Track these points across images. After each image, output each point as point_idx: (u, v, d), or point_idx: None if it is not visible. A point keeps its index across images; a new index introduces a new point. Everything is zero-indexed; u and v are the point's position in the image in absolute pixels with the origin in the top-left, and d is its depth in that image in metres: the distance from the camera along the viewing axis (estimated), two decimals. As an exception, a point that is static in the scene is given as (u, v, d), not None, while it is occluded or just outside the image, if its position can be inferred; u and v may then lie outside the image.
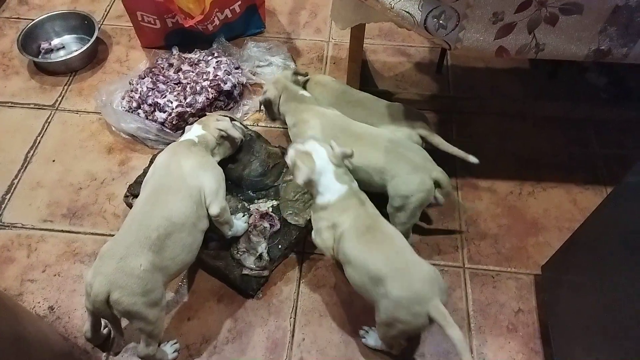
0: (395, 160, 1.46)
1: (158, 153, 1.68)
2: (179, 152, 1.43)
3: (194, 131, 1.54)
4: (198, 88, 1.90)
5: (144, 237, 1.24)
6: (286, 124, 1.69)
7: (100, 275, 1.20)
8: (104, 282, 1.19)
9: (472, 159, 1.58)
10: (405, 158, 1.46)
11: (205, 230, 1.41)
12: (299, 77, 1.77)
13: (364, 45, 1.85)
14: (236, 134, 1.56)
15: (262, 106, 1.76)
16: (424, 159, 1.48)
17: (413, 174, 1.44)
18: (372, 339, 1.43)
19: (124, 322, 1.36)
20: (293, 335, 1.48)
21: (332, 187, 1.34)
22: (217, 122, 1.56)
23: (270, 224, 1.54)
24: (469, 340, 1.47)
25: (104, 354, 1.44)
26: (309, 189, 1.39)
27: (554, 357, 1.36)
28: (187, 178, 1.36)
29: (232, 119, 1.64)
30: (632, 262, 1.07)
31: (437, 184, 1.47)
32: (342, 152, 1.37)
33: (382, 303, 1.24)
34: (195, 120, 1.78)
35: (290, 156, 1.38)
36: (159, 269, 1.26)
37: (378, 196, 1.47)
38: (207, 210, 1.38)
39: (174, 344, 1.43)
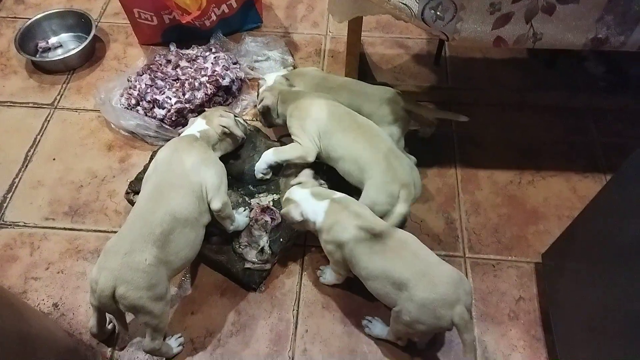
0: (379, 163, 1.44)
1: (158, 149, 1.69)
2: (180, 148, 1.43)
3: (197, 125, 1.53)
4: (196, 84, 1.90)
5: (148, 233, 1.25)
6: (286, 126, 1.66)
7: (106, 271, 1.21)
8: (109, 277, 1.21)
9: (463, 118, 1.65)
10: (390, 165, 1.43)
11: (207, 225, 1.42)
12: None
13: (362, 38, 1.85)
14: (239, 132, 1.57)
15: (260, 115, 1.75)
16: (409, 174, 1.45)
17: (389, 185, 1.42)
18: (377, 328, 1.43)
19: (129, 317, 1.37)
20: (296, 327, 1.49)
21: (317, 209, 1.36)
22: (221, 118, 1.55)
23: (271, 218, 1.55)
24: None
25: (109, 349, 1.45)
26: (306, 226, 1.40)
27: (555, 344, 1.37)
28: (189, 174, 1.37)
29: (236, 116, 1.64)
30: (631, 249, 1.08)
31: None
32: (311, 173, 1.50)
33: (406, 306, 1.23)
34: (195, 116, 1.79)
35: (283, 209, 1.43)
36: (163, 264, 1.27)
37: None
38: (209, 205, 1.39)
39: (179, 337, 1.45)
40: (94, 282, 1.23)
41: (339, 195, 1.39)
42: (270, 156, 1.59)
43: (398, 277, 1.23)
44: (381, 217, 1.38)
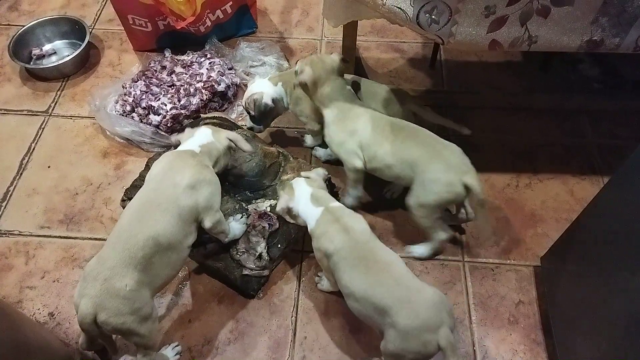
0: (429, 156, 1.42)
1: (154, 156, 1.68)
2: (175, 167, 1.33)
3: (200, 137, 1.43)
4: (192, 90, 1.89)
5: (129, 257, 1.20)
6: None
7: (85, 297, 1.17)
8: (89, 305, 1.16)
9: (466, 131, 1.65)
10: (440, 155, 1.42)
11: (203, 233, 1.39)
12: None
13: (357, 42, 1.85)
14: (247, 147, 1.47)
15: (252, 110, 1.69)
16: (460, 161, 1.42)
17: (443, 173, 1.40)
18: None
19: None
20: (295, 334, 1.48)
21: (310, 212, 1.35)
22: (228, 132, 1.49)
23: (269, 224, 1.54)
24: (470, 334, 1.47)
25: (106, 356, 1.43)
26: (295, 220, 1.40)
27: (556, 348, 1.37)
28: (180, 197, 1.29)
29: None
30: (630, 251, 1.08)
31: (468, 190, 1.41)
32: (323, 174, 1.46)
33: (389, 333, 1.20)
34: (190, 123, 1.78)
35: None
36: (145, 285, 1.22)
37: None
38: (201, 224, 1.34)
39: (176, 346, 1.43)
40: (76, 306, 1.19)
41: (335, 204, 1.37)
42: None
43: (379, 302, 1.20)
44: (446, 207, 1.44)
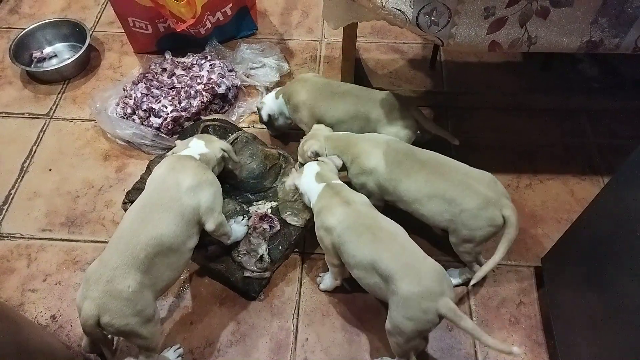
0: (465, 192, 1.36)
1: (155, 159, 1.68)
2: (177, 168, 1.35)
3: (196, 149, 1.44)
4: (192, 92, 1.90)
5: (132, 257, 1.20)
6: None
7: (88, 300, 1.17)
8: (92, 307, 1.16)
9: (455, 142, 1.64)
10: (477, 190, 1.35)
11: (204, 235, 1.40)
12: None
13: (357, 43, 1.85)
14: (236, 158, 1.54)
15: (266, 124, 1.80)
16: (497, 192, 1.37)
17: (484, 210, 1.34)
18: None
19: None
20: (296, 336, 1.48)
21: (312, 188, 1.40)
22: (221, 142, 1.51)
23: (270, 226, 1.54)
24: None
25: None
26: (303, 198, 1.44)
27: (557, 348, 1.37)
28: (183, 197, 1.30)
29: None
30: (631, 251, 1.08)
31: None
32: (338, 162, 1.49)
33: (392, 301, 1.23)
34: (191, 125, 1.79)
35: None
36: (147, 287, 1.22)
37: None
38: (204, 226, 1.35)
39: (178, 349, 1.43)
40: (78, 308, 1.19)
41: (337, 181, 1.41)
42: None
43: (385, 268, 1.23)
44: (486, 240, 1.38)
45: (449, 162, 1.44)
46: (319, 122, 1.68)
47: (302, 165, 1.54)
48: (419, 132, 1.77)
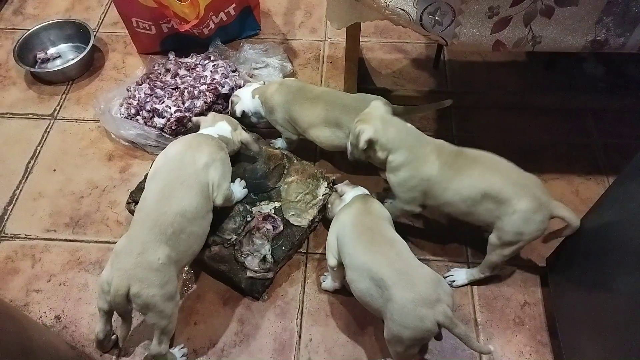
0: (520, 193, 1.31)
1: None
2: (194, 146, 1.43)
3: (220, 130, 1.55)
4: (196, 92, 1.90)
5: (160, 233, 1.27)
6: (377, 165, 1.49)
7: (120, 271, 1.23)
8: (124, 277, 1.22)
9: (447, 102, 1.63)
10: (531, 192, 1.31)
11: (208, 235, 1.43)
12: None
13: (360, 43, 1.84)
14: (256, 147, 1.62)
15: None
16: (546, 195, 1.34)
17: (536, 213, 1.30)
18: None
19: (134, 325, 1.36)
20: (300, 336, 1.48)
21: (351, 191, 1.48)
22: (243, 133, 1.61)
23: (273, 226, 1.54)
24: (475, 335, 1.47)
25: (113, 357, 1.44)
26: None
27: (562, 349, 1.36)
28: (200, 174, 1.38)
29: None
30: (636, 251, 1.07)
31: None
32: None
33: (387, 309, 1.22)
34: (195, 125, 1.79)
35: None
36: (174, 262, 1.29)
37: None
38: (214, 202, 1.42)
39: (182, 348, 1.44)
40: (105, 284, 1.25)
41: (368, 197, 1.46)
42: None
43: (377, 271, 1.23)
44: (528, 243, 1.36)
45: (501, 160, 1.39)
46: (293, 125, 1.70)
47: (353, 151, 1.46)
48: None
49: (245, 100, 1.77)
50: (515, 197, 1.31)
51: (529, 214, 1.30)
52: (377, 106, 1.45)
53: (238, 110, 1.77)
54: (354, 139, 1.42)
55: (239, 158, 1.66)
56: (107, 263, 1.28)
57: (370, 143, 1.39)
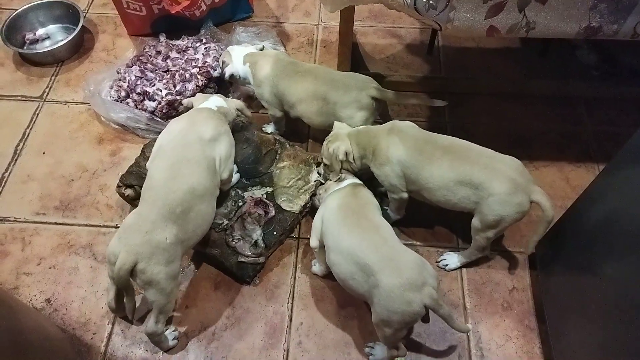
0: (493, 177, 1.33)
1: (149, 142, 1.68)
2: (198, 121, 1.44)
3: (215, 101, 1.56)
4: (187, 75, 1.87)
5: (169, 212, 1.27)
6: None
7: (128, 247, 1.23)
8: (131, 252, 1.22)
9: (439, 103, 1.63)
10: (505, 175, 1.33)
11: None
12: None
13: (354, 27, 1.83)
14: (248, 112, 1.64)
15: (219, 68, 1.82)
16: (525, 177, 1.36)
17: (513, 195, 1.32)
18: (380, 352, 1.39)
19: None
20: (291, 320, 1.49)
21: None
22: (236, 101, 1.63)
23: (264, 211, 1.54)
24: (464, 319, 1.48)
25: (103, 342, 1.44)
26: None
27: (549, 333, 1.38)
28: (206, 148, 1.39)
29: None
30: (624, 238, 1.09)
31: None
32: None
33: (374, 294, 1.23)
34: (185, 108, 1.77)
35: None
36: (181, 242, 1.30)
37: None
38: (220, 176, 1.44)
39: (173, 331, 1.44)
40: (112, 255, 1.25)
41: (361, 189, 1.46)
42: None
43: (362, 257, 1.24)
44: (509, 226, 1.39)
45: (472, 147, 1.41)
46: (280, 100, 1.70)
47: (327, 167, 1.54)
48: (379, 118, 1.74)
49: (236, 63, 1.76)
50: (488, 180, 1.33)
51: (504, 197, 1.32)
52: (340, 126, 1.56)
53: (227, 72, 1.77)
54: (329, 158, 1.51)
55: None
56: (115, 235, 1.27)
57: (346, 155, 1.48)
